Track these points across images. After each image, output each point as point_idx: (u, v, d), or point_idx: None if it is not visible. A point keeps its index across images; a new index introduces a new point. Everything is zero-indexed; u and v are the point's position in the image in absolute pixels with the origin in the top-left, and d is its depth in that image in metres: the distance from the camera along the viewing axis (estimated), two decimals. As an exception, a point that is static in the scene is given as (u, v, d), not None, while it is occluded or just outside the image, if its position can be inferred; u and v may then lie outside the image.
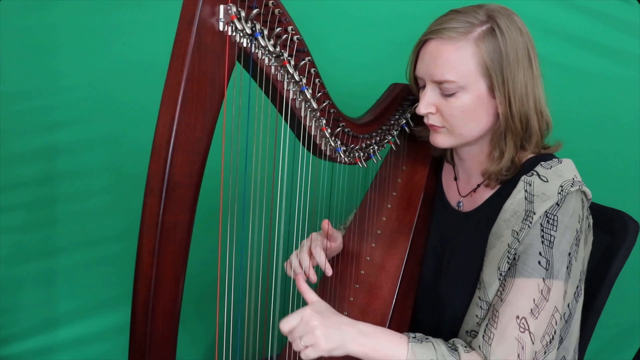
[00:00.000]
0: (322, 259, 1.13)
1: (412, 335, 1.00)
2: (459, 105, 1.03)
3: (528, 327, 0.96)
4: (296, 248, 1.17)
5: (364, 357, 0.97)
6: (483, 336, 0.98)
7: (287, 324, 0.95)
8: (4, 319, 1.70)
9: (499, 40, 1.00)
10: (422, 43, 1.06)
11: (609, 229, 1.19)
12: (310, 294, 1.00)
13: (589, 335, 1.18)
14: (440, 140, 1.09)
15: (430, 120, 1.08)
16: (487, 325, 0.99)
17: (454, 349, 0.99)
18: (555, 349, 1.00)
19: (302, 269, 1.14)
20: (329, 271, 1.13)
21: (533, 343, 0.96)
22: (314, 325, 0.94)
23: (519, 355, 0.96)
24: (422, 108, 1.06)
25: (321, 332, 0.93)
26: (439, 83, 1.03)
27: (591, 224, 1.07)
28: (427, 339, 1.00)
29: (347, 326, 0.97)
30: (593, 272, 1.17)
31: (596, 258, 1.15)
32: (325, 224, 1.11)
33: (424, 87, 1.08)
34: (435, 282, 1.13)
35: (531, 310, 0.96)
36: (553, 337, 0.98)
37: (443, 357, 0.96)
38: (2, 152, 1.61)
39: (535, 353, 0.97)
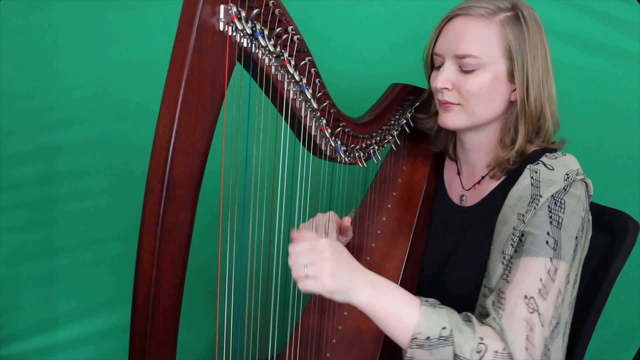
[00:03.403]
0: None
1: (424, 299, 0.94)
2: (477, 82, 1.04)
3: (537, 307, 0.92)
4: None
5: (369, 311, 0.90)
6: (494, 318, 0.93)
7: (297, 245, 0.88)
8: (4, 319, 1.70)
9: (523, 27, 1.04)
10: (447, 20, 1.08)
11: (609, 229, 1.18)
12: None
13: (589, 335, 1.17)
14: (451, 119, 1.09)
15: (445, 96, 1.08)
16: (493, 307, 0.95)
17: (468, 320, 0.94)
18: (557, 335, 0.97)
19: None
20: None
21: (543, 326, 0.91)
22: (325, 256, 0.86)
23: (527, 337, 0.90)
24: (438, 82, 1.07)
25: (330, 268, 0.86)
26: (460, 58, 1.04)
27: (590, 220, 1.07)
28: (440, 305, 0.95)
29: (359, 273, 0.90)
30: (593, 272, 1.17)
31: (596, 258, 1.15)
32: (348, 222, 1.12)
33: (438, 67, 1.09)
34: (439, 277, 1.12)
35: (539, 290, 0.93)
36: (558, 321, 0.96)
37: (457, 326, 0.90)
38: (2, 152, 1.61)
39: (545, 339, 0.93)
